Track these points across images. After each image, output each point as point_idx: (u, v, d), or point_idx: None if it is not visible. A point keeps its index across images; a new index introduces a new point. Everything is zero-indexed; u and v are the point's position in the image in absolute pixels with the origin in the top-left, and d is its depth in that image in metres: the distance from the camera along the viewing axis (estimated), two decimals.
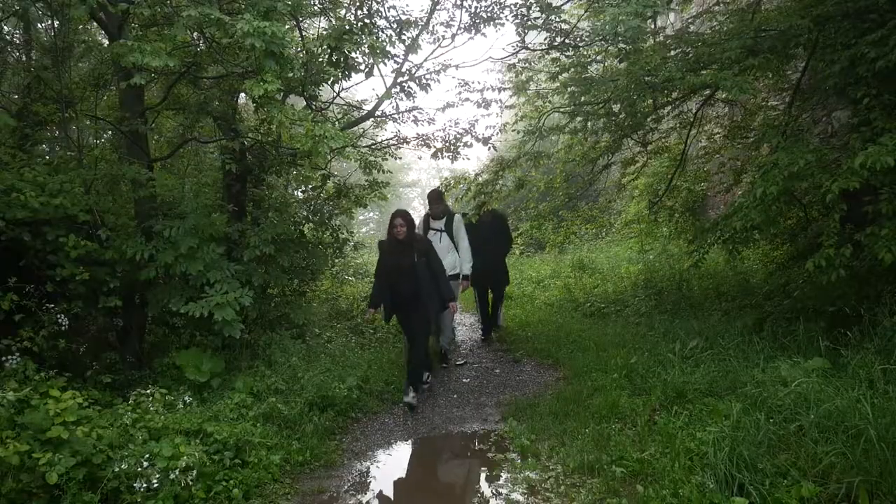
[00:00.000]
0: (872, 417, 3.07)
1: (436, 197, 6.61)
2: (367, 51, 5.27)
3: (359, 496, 3.72)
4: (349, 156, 6.71)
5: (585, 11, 7.61)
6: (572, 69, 7.69)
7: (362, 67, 5.74)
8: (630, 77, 5.93)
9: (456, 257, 6.35)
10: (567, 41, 7.01)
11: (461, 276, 6.35)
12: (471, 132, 7.61)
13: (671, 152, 9.01)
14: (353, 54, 5.31)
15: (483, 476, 3.82)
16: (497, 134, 8.05)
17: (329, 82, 5.67)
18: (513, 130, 8.80)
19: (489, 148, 8.04)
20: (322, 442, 4.24)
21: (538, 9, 6.46)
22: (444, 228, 6.36)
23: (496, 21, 6.88)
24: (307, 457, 4.04)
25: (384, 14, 6.40)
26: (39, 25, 6.71)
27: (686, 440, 3.52)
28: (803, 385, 3.63)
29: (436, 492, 3.80)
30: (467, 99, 7.82)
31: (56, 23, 5.66)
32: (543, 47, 7.50)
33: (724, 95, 7.14)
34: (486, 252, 7.02)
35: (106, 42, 5.99)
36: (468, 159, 8.03)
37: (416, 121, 7.61)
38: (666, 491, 3.13)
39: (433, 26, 7.05)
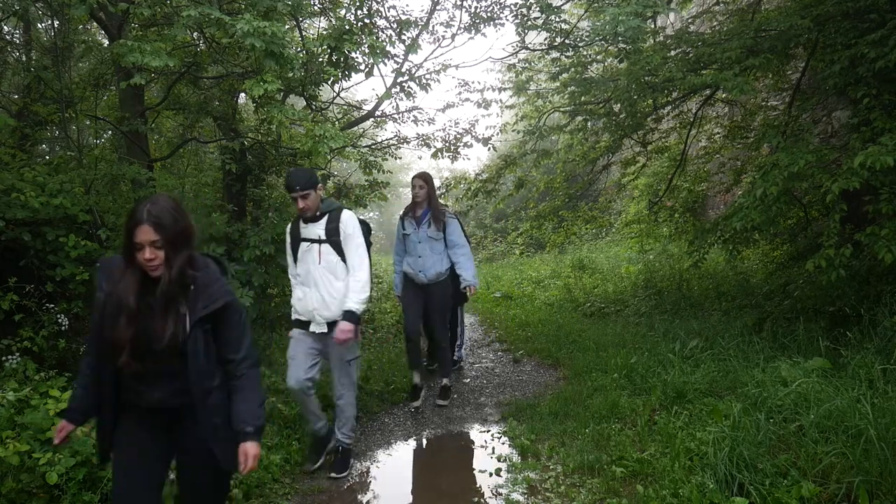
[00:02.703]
0: (872, 417, 3.07)
1: (302, 181, 3.63)
2: (367, 51, 5.28)
3: (359, 496, 3.72)
4: (349, 156, 6.73)
5: (585, 11, 7.62)
6: (572, 69, 7.70)
7: (362, 67, 5.75)
8: (630, 77, 5.94)
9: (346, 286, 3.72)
10: (567, 41, 7.01)
11: (344, 315, 3.65)
12: (471, 132, 7.64)
13: (671, 152, 9.03)
14: (353, 54, 5.31)
15: (483, 476, 3.81)
16: (497, 134, 8.08)
17: (329, 82, 5.67)
18: (513, 130, 8.83)
19: (489, 148, 8.06)
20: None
21: (538, 9, 6.46)
22: (324, 237, 3.70)
23: (496, 21, 6.89)
24: (307, 457, 4.03)
25: (384, 14, 6.41)
26: (39, 25, 6.72)
27: (686, 440, 3.52)
28: (803, 385, 3.63)
29: (436, 492, 3.79)
30: (467, 99, 7.85)
31: (56, 23, 5.67)
32: (543, 47, 7.52)
33: (724, 95, 7.16)
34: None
35: (106, 42, 6.01)
36: (468, 159, 8.06)
37: (416, 121, 7.63)
38: (666, 491, 3.13)
39: (433, 26, 7.07)
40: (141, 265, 2.13)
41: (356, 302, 3.63)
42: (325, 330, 3.73)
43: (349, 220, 3.73)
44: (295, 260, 3.84)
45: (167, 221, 2.11)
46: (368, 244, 3.89)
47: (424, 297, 5.10)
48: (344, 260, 3.73)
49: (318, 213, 3.74)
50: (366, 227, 3.91)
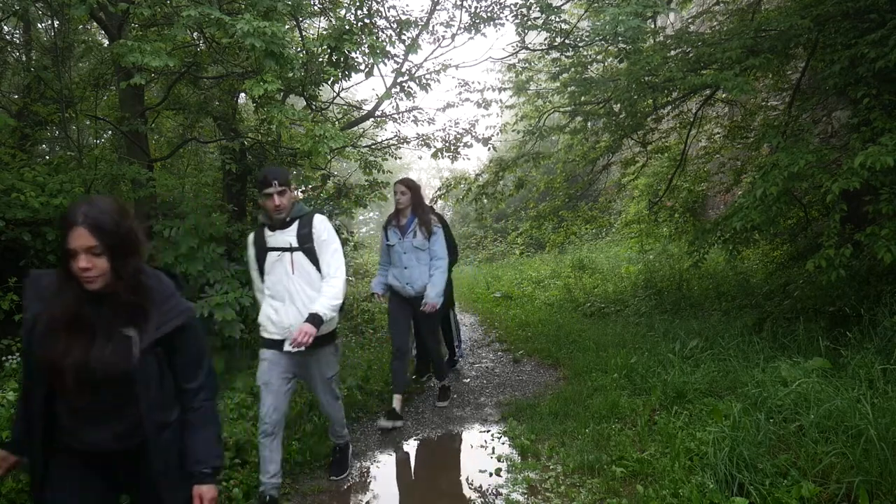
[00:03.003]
0: (872, 417, 3.07)
1: (280, 176, 3.31)
2: (367, 51, 5.29)
3: (359, 496, 3.72)
4: (349, 156, 6.74)
5: (585, 11, 7.63)
6: (572, 69, 7.71)
7: (362, 67, 5.76)
8: (630, 77, 5.94)
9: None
10: (567, 41, 7.02)
11: (308, 317, 3.23)
12: (471, 132, 7.65)
13: (671, 152, 9.03)
14: (353, 54, 5.32)
15: (483, 476, 3.81)
16: (497, 134, 8.09)
17: (329, 82, 5.68)
18: (513, 130, 8.84)
19: (489, 148, 8.07)
20: (322, 442, 4.24)
21: (538, 9, 6.47)
22: (296, 245, 3.36)
23: (496, 21, 6.90)
24: (307, 457, 4.04)
25: (384, 14, 6.42)
26: (39, 25, 6.72)
27: (686, 440, 3.52)
28: (803, 385, 3.63)
29: (436, 492, 3.79)
30: (467, 99, 7.87)
31: (56, 23, 5.67)
32: (543, 47, 7.52)
33: (724, 95, 7.17)
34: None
35: (106, 42, 6.01)
36: (468, 159, 8.08)
37: (416, 121, 7.65)
38: (666, 491, 3.13)
39: (433, 26, 7.08)
40: (77, 277, 1.76)
41: (325, 307, 3.24)
42: (303, 348, 3.25)
43: (323, 225, 3.38)
44: (261, 272, 3.45)
45: (107, 224, 1.75)
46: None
47: (412, 310, 4.82)
48: (318, 268, 3.36)
49: (286, 219, 3.36)
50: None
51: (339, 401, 3.77)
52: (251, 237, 3.49)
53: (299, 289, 3.34)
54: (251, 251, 3.48)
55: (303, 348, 3.17)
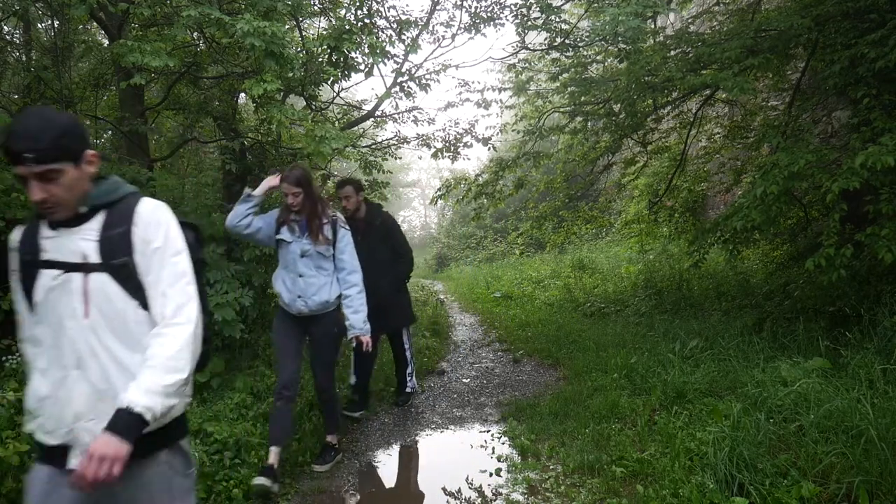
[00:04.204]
0: (872, 417, 3.07)
1: (43, 138, 1.55)
2: (366, 51, 5.29)
3: (359, 496, 3.71)
4: (349, 156, 6.74)
5: (585, 11, 7.63)
6: (572, 69, 7.71)
7: (362, 67, 5.76)
8: (630, 77, 5.94)
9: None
10: (567, 41, 7.03)
11: (114, 419, 1.54)
12: (471, 132, 7.65)
13: (671, 152, 9.03)
14: (353, 54, 5.32)
15: (483, 476, 3.81)
16: (497, 134, 8.10)
17: (329, 82, 5.67)
18: (513, 130, 8.85)
19: (489, 148, 8.08)
20: (322, 442, 4.24)
21: (538, 9, 6.47)
22: (96, 258, 1.65)
23: (496, 21, 6.90)
24: (307, 457, 4.03)
25: (384, 14, 6.42)
26: (39, 25, 6.73)
27: (686, 440, 3.52)
28: (803, 385, 3.64)
29: (436, 492, 3.79)
30: (467, 99, 7.88)
31: (56, 23, 5.67)
32: (543, 47, 7.53)
33: (724, 95, 7.17)
34: (373, 273, 4.18)
35: (106, 42, 6.01)
36: (468, 159, 8.08)
37: (416, 121, 7.65)
38: (666, 491, 3.13)
39: (433, 26, 7.09)
40: None
41: (152, 391, 1.58)
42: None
43: (155, 218, 1.72)
44: (30, 306, 1.72)
45: None
46: (199, 265, 1.89)
47: (304, 334, 3.82)
48: (144, 304, 1.70)
49: (78, 210, 1.68)
50: (193, 234, 1.92)
51: None
52: (16, 238, 1.76)
53: (100, 347, 1.67)
54: (13, 264, 1.75)
55: (106, 470, 1.50)
